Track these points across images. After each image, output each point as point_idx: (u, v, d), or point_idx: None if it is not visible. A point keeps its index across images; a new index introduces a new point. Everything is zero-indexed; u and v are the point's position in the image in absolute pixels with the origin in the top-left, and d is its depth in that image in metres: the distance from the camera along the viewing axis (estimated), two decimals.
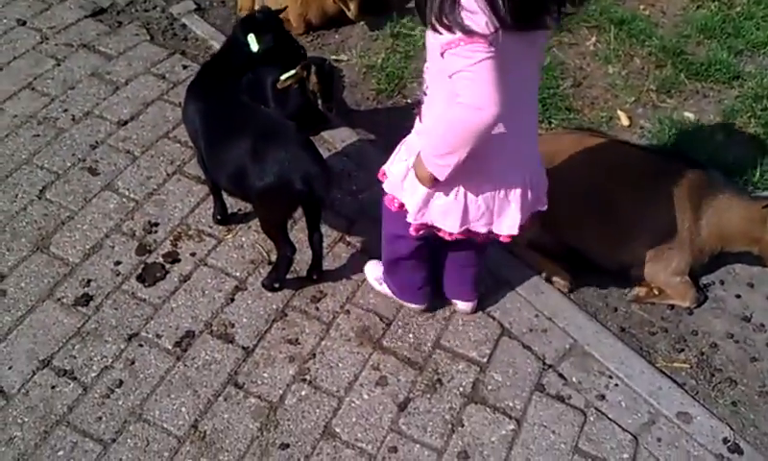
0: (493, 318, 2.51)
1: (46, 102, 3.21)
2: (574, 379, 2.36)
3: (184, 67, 3.48)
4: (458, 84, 1.70)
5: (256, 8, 3.82)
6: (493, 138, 1.77)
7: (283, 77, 2.79)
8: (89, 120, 3.14)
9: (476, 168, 1.87)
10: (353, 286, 2.57)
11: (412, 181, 1.99)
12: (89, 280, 2.51)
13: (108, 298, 2.47)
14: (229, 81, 2.46)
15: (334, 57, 3.69)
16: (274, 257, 2.61)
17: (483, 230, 2.05)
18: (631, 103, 3.51)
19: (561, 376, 2.36)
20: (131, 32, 3.69)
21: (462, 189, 1.95)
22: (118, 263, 2.57)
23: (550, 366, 2.39)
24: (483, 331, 2.46)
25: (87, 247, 2.62)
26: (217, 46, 3.65)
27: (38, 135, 3.04)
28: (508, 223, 2.02)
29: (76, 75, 3.37)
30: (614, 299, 2.67)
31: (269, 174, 2.17)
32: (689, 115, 3.42)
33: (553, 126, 3.35)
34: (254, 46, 2.47)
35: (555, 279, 2.66)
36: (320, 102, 2.90)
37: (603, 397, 2.32)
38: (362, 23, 3.91)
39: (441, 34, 1.66)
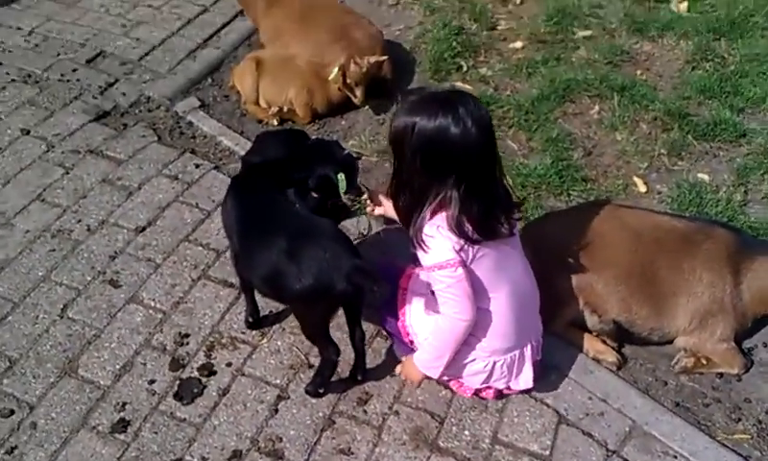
0: (547, 405, 2.43)
1: (58, 213, 3.13)
2: None
3: (197, 166, 3.44)
4: (440, 299, 2.17)
5: (262, 104, 3.83)
6: (513, 315, 2.25)
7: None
8: (105, 229, 3.06)
9: (501, 340, 2.28)
10: (398, 383, 2.49)
11: (439, 343, 2.28)
12: (124, 403, 2.40)
13: (147, 421, 2.35)
14: (274, 185, 2.41)
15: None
16: (313, 360, 2.53)
17: (502, 386, 2.38)
18: (644, 168, 3.53)
19: None
20: (137, 133, 3.65)
21: (492, 359, 2.30)
22: (152, 382, 2.46)
23: (614, 452, 2.31)
24: (539, 421, 2.38)
25: (118, 367, 2.51)
26: (226, 142, 3.64)
27: (54, 250, 2.95)
28: (524, 378, 2.37)
29: (86, 183, 3.30)
30: (663, 372, 2.62)
31: (307, 275, 2.10)
32: (704, 177, 3.44)
33: (572, 198, 3.33)
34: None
35: (602, 357, 2.60)
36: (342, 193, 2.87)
37: None
38: (367, 108, 3.92)
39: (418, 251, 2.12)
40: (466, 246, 2.10)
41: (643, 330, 2.60)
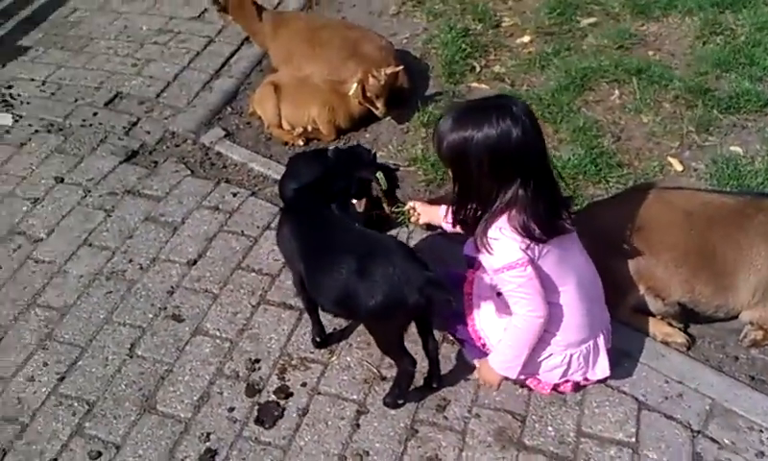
0: (625, 393, 2.46)
1: (108, 256, 3.14)
2: (726, 441, 2.31)
3: (234, 195, 3.46)
4: (512, 299, 2.20)
5: (285, 126, 3.85)
6: (583, 306, 2.28)
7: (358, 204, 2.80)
8: (157, 266, 3.07)
9: (574, 333, 2.31)
10: (473, 386, 2.51)
11: (515, 343, 2.30)
12: (208, 434, 2.41)
13: (233, 448, 2.36)
14: (320, 202, 2.44)
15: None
16: (385, 372, 2.55)
17: (579, 378, 2.41)
18: (676, 147, 3.57)
19: (713, 440, 2.31)
20: (169, 169, 3.67)
21: (568, 352, 2.33)
22: (232, 409, 2.48)
23: (699, 432, 2.34)
24: (620, 409, 2.40)
25: (195, 398, 2.52)
26: (257, 168, 3.66)
27: (111, 292, 2.96)
28: (601, 368, 2.39)
29: (130, 223, 3.32)
30: (732, 347, 2.65)
31: (379, 292, 2.12)
32: (737, 150, 3.49)
33: (611, 185, 3.37)
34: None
35: (671, 339, 2.63)
36: (385, 205, 2.90)
37: (763, 454, 2.27)
38: (388, 119, 3.95)
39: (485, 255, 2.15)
40: (532, 244, 2.14)
41: (708, 309, 2.63)
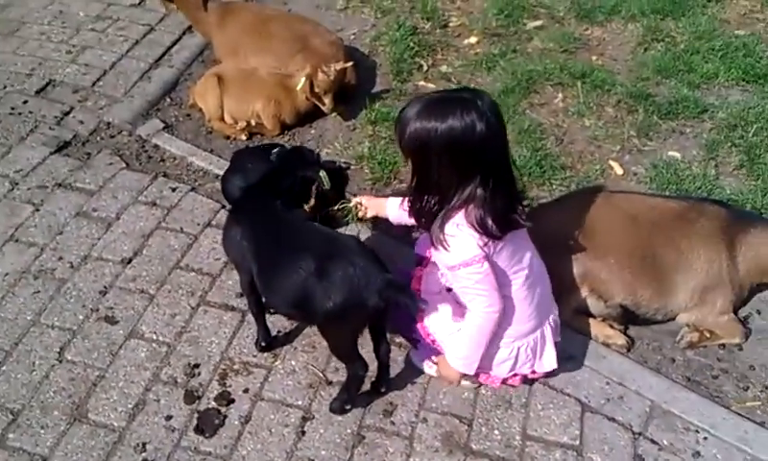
0: (568, 395, 2.47)
1: (36, 253, 2.98)
2: (665, 441, 2.34)
3: (173, 190, 3.34)
4: (467, 296, 2.20)
5: (227, 120, 3.75)
6: (531, 296, 2.28)
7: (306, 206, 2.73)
8: (90, 264, 2.93)
9: (522, 324, 2.30)
10: (420, 390, 2.48)
11: (475, 339, 2.29)
12: (144, 444, 2.31)
13: (171, 459, 2.27)
14: (271, 202, 2.35)
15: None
16: (331, 376, 2.50)
17: (527, 371, 2.40)
18: (617, 151, 3.62)
19: (653, 441, 2.34)
20: (103, 162, 3.51)
21: (515, 344, 2.33)
22: (169, 418, 2.37)
23: (639, 434, 2.37)
24: (564, 412, 2.41)
25: (130, 406, 2.41)
26: (197, 162, 3.54)
27: (39, 292, 2.81)
28: (548, 360, 2.39)
29: (60, 218, 3.16)
30: (669, 349, 2.70)
31: (338, 294, 2.06)
32: (675, 154, 3.56)
33: (554, 187, 3.39)
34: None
35: (612, 341, 2.66)
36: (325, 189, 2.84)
37: (699, 453, 2.31)
38: (334, 115, 3.88)
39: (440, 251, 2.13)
40: (489, 241, 2.12)
41: (648, 311, 2.67)
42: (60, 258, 2.96)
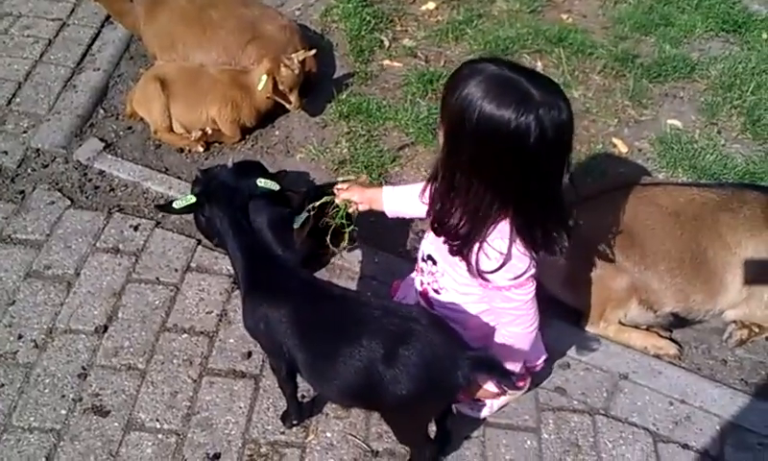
0: (635, 425, 2.27)
1: None
2: None
3: (135, 228, 2.87)
4: (508, 316, 1.94)
5: (177, 129, 3.28)
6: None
7: (298, 225, 2.35)
8: (58, 340, 2.47)
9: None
10: (478, 446, 2.23)
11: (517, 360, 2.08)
12: None
13: None
14: (294, 266, 1.96)
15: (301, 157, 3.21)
16: (375, 445, 2.18)
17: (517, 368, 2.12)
18: (614, 125, 3.39)
19: None
20: (42, 201, 2.98)
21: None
22: None
23: (717, 459, 2.18)
24: (637, 446, 2.22)
25: None
26: (154, 188, 3.07)
27: (2, 385, 2.34)
28: (534, 354, 2.23)
29: (7, 282, 2.65)
30: (718, 349, 2.54)
31: (416, 380, 1.72)
32: (675, 123, 3.37)
33: None
34: (271, 186, 2.08)
35: (663, 352, 2.48)
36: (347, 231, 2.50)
37: None
38: (299, 111, 3.45)
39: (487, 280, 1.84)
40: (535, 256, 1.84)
41: (699, 315, 2.49)
42: (20, 337, 2.47)
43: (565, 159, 1.71)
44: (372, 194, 2.25)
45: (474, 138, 1.66)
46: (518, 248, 1.79)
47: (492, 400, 2.22)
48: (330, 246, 2.32)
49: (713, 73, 3.54)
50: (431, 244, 2.04)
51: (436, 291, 2.09)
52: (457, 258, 1.87)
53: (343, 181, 2.76)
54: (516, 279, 1.83)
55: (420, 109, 3.40)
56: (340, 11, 4.03)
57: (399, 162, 3.20)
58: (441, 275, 2.05)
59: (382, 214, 2.28)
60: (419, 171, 3.16)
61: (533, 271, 1.84)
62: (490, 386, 2.08)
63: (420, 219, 2.55)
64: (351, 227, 2.26)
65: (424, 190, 1.97)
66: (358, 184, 2.30)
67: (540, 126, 1.60)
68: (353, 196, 2.24)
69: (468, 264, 1.84)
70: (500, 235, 1.78)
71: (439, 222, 1.87)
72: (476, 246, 1.81)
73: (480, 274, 1.83)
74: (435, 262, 2.05)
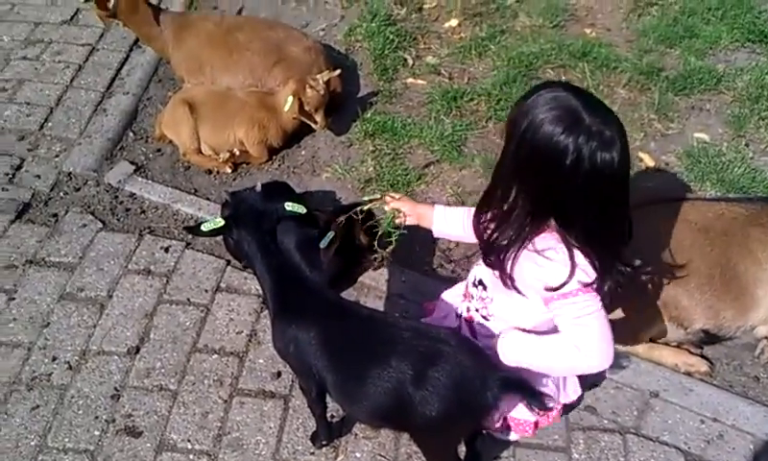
0: (667, 444, 2.24)
1: (23, 355, 2.54)
2: None
3: (165, 250, 2.91)
4: (577, 332, 1.75)
5: (205, 151, 3.32)
6: None
7: (325, 245, 2.38)
8: (91, 361, 2.51)
9: None
10: None
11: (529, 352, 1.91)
12: None
13: None
14: (322, 287, 1.98)
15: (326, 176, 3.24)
16: None
17: (552, 404, 2.05)
18: (641, 140, 3.37)
19: None
20: (75, 223, 3.05)
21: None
22: None
23: None
24: None
25: None
26: (184, 209, 3.12)
27: (38, 406, 2.38)
28: (572, 387, 2.16)
29: (42, 305, 2.70)
30: (750, 366, 2.51)
31: (443, 400, 1.73)
32: (702, 136, 3.35)
33: None
34: (300, 209, 2.11)
35: (694, 369, 2.45)
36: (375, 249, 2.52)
37: None
38: (325, 131, 3.49)
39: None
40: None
41: (730, 331, 2.45)
42: (54, 359, 2.52)
43: (605, 194, 1.68)
44: (422, 210, 2.22)
45: (518, 142, 1.68)
46: (579, 257, 1.72)
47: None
48: (378, 249, 2.32)
49: (740, 85, 3.50)
50: (485, 269, 1.98)
51: (485, 317, 2.06)
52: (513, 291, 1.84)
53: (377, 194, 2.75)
54: (580, 286, 1.73)
55: (445, 126, 3.42)
56: (363, 30, 4.06)
57: (425, 180, 3.21)
58: (490, 301, 2.02)
59: (413, 232, 2.26)
60: (444, 188, 3.17)
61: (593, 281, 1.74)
62: (521, 411, 2.06)
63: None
64: (399, 232, 2.23)
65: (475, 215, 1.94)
66: (409, 198, 2.30)
67: (577, 151, 1.60)
68: (403, 207, 2.23)
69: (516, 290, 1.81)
70: (551, 244, 1.74)
71: (487, 247, 1.85)
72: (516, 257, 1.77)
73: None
74: (485, 288, 2.02)
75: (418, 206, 2.24)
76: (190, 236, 2.99)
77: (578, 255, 1.71)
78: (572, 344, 1.76)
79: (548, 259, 1.73)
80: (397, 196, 2.27)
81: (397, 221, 2.22)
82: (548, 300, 1.77)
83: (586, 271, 1.71)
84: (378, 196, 2.99)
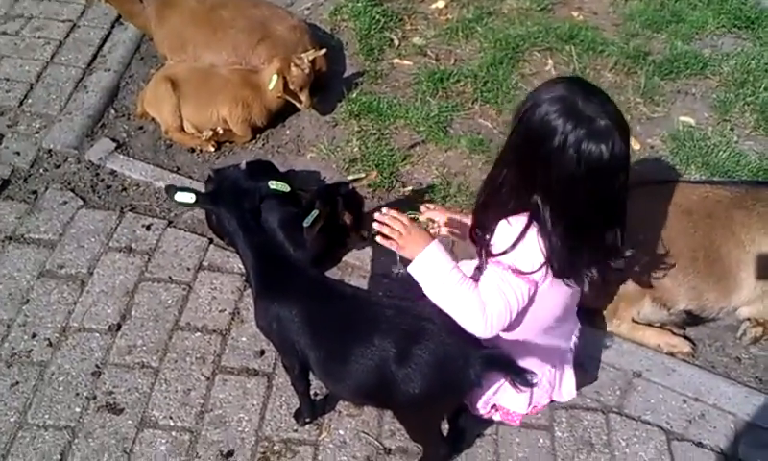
0: (649, 423, 2.25)
1: (2, 332, 2.50)
2: None
3: (147, 228, 2.87)
4: (487, 293, 1.78)
5: (188, 129, 3.28)
6: (542, 343, 2.00)
7: (308, 223, 2.36)
8: (71, 338, 2.48)
9: (539, 353, 2.03)
10: (491, 444, 2.22)
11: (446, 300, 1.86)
12: None
13: None
14: (305, 265, 1.96)
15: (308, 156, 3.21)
16: (388, 443, 2.18)
17: (546, 401, 2.19)
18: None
19: None
20: (55, 200, 3.00)
21: None
22: None
23: (731, 457, 2.17)
24: (651, 444, 2.21)
25: None
26: (161, 185, 3.06)
27: (17, 383, 2.35)
28: (567, 388, 2.19)
29: (21, 282, 2.66)
30: (732, 347, 2.52)
31: (429, 379, 1.72)
32: (688, 120, 3.35)
33: None
34: (283, 187, 2.05)
35: (677, 350, 2.46)
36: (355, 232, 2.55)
37: None
38: (310, 110, 3.46)
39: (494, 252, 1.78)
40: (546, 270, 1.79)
41: (713, 312, 2.47)
42: (34, 335, 2.48)
43: (590, 186, 1.68)
44: (460, 221, 2.21)
45: (518, 121, 1.74)
46: (537, 238, 1.74)
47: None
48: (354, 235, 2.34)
49: (726, 69, 3.51)
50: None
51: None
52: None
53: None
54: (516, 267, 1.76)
55: (431, 107, 3.40)
56: (349, 9, 4.02)
57: (410, 161, 3.20)
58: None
59: None
60: (429, 169, 3.15)
61: (538, 273, 1.77)
62: (512, 402, 2.08)
63: None
64: None
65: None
66: (443, 208, 2.28)
67: (565, 134, 1.63)
68: (437, 217, 2.24)
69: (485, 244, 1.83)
70: (522, 218, 1.76)
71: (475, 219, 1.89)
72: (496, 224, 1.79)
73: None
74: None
75: (453, 217, 2.23)
76: (172, 214, 2.96)
77: (530, 244, 1.73)
78: (482, 301, 1.77)
79: (504, 225, 1.76)
80: (432, 207, 2.26)
81: (432, 231, 2.19)
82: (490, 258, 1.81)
83: (526, 260, 1.74)
84: (363, 175, 3.01)
